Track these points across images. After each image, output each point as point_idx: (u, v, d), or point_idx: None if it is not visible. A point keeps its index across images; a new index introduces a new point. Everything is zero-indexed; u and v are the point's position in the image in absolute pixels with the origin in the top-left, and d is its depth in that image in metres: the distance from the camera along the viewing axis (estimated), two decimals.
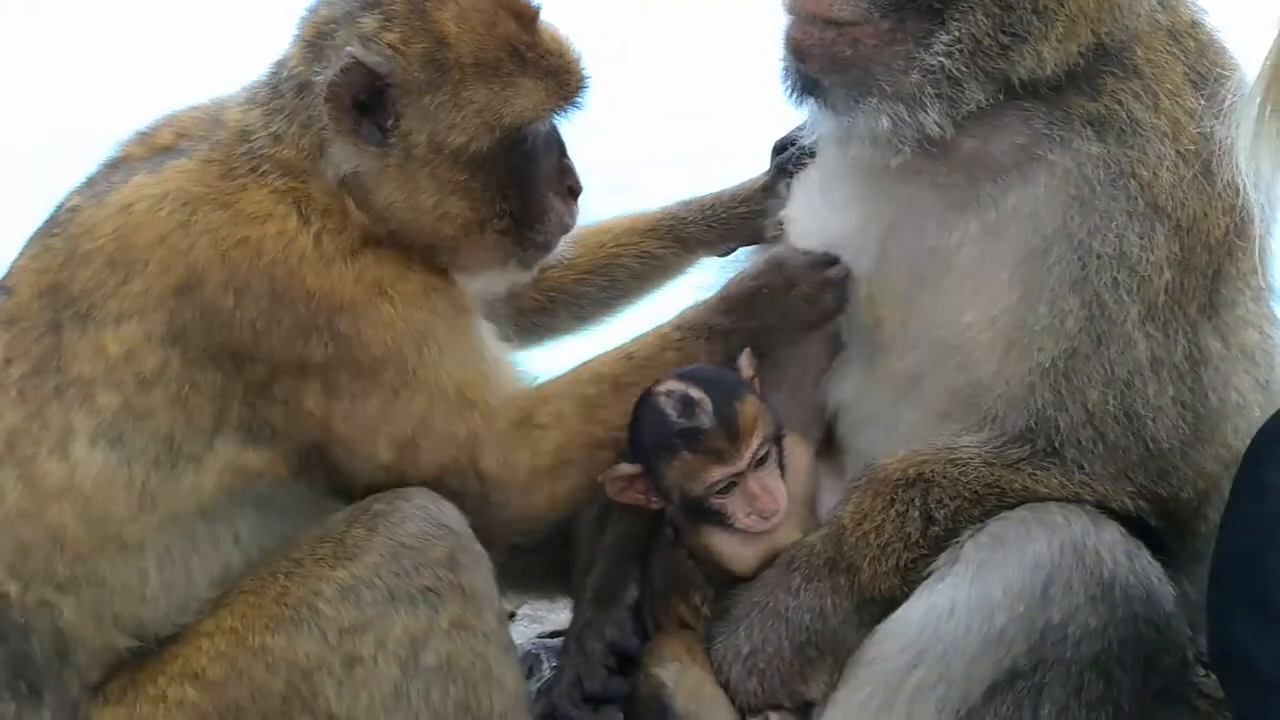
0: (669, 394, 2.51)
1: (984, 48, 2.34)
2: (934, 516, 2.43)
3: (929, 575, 2.40)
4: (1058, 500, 2.38)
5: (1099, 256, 2.35)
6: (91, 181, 2.55)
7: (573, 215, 2.61)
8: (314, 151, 2.43)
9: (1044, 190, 2.39)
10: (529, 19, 2.46)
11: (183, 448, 2.36)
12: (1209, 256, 2.40)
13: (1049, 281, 2.37)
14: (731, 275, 2.70)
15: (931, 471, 2.45)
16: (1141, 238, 2.35)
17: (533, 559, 3.03)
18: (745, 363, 2.63)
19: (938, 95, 2.39)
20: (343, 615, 2.36)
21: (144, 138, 2.60)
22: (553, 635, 3.41)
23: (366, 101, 2.37)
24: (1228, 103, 2.31)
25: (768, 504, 2.50)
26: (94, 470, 2.34)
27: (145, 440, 2.34)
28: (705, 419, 2.46)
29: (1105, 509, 2.39)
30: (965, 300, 2.43)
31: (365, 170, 2.43)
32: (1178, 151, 2.37)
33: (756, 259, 2.69)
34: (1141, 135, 2.37)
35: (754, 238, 2.94)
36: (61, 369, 2.36)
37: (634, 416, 2.56)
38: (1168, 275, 2.36)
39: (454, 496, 2.46)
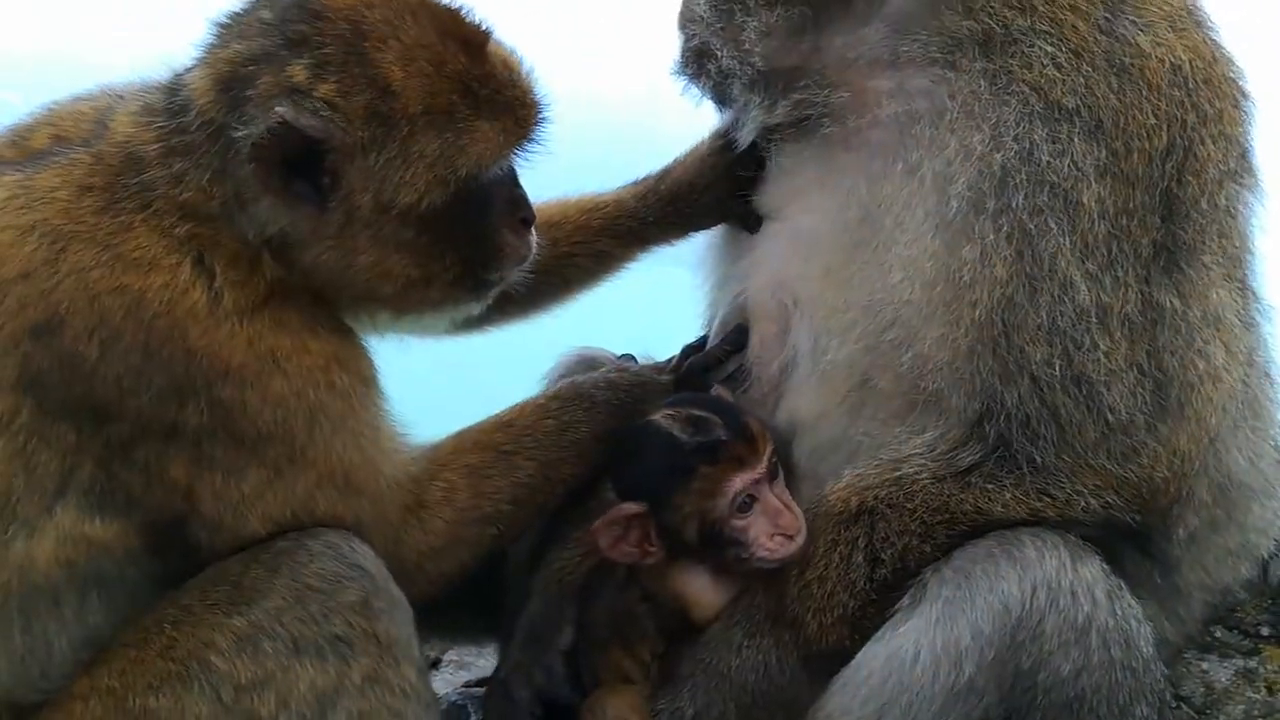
0: (672, 417, 2.41)
1: None
2: (880, 558, 2.28)
3: (892, 615, 2.24)
4: (1020, 522, 2.23)
5: (1005, 170, 2.21)
6: None
7: (528, 246, 2.40)
8: (229, 202, 2.16)
9: (948, 118, 2.28)
10: (478, 47, 2.23)
11: (18, 509, 2.09)
12: (1148, 169, 2.24)
13: (962, 213, 2.23)
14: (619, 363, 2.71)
15: (875, 499, 2.30)
16: (1052, 141, 2.21)
17: (459, 601, 2.77)
18: (722, 390, 2.54)
19: (713, 30, 2.47)
20: (239, 669, 2.11)
21: (16, 138, 2.31)
22: (480, 683, 3.23)
23: (299, 161, 2.12)
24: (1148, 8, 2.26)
25: (791, 521, 2.36)
26: None
27: None
28: (720, 431, 2.36)
29: (1077, 526, 2.24)
30: (894, 259, 2.30)
31: (295, 230, 2.18)
32: (1072, 50, 2.25)
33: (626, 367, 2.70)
34: (1019, 40, 2.27)
35: (717, 221, 2.80)
36: None
37: (632, 451, 2.43)
38: (1098, 189, 2.21)
39: None
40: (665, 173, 2.81)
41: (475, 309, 2.48)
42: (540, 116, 2.30)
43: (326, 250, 2.20)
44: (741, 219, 2.70)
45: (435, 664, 3.47)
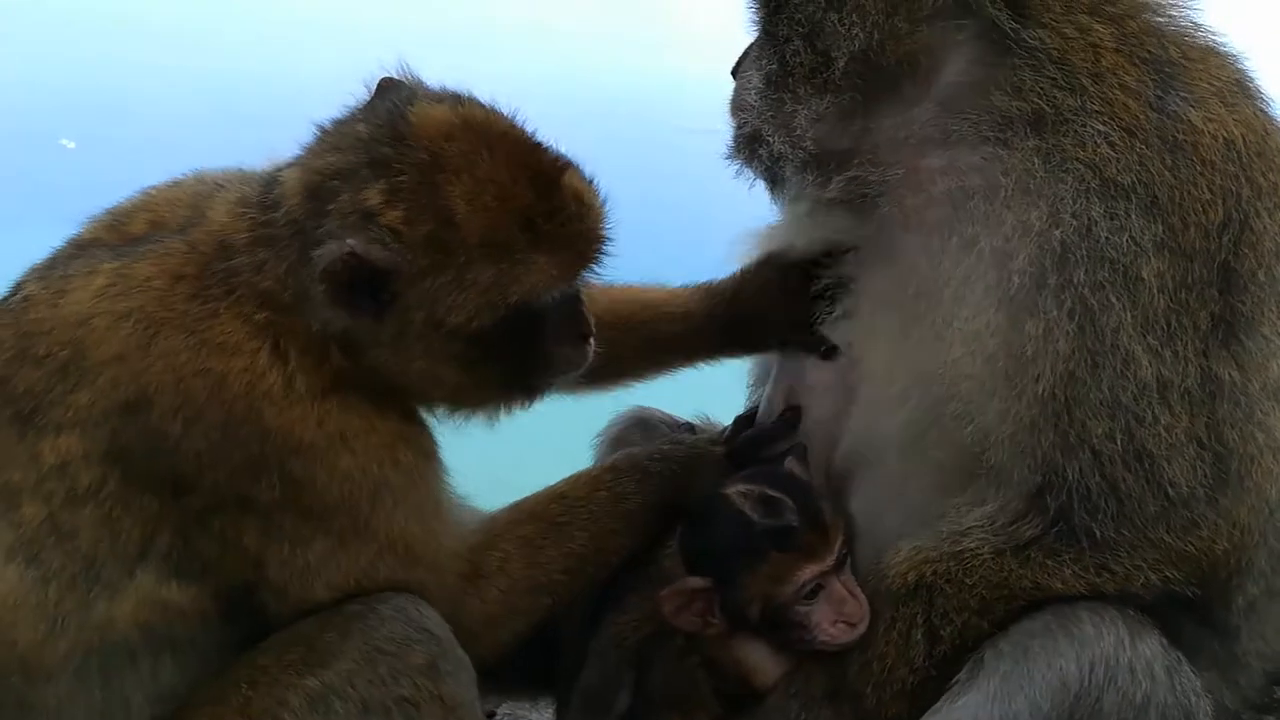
0: (745, 495, 2.41)
1: (805, 66, 2.46)
2: (939, 635, 2.29)
3: (949, 688, 2.25)
4: (1081, 599, 2.23)
5: (1065, 246, 2.23)
6: (51, 263, 2.38)
7: (584, 356, 2.46)
8: (299, 295, 2.27)
9: (1002, 195, 2.31)
10: (550, 180, 2.30)
11: (102, 573, 2.19)
12: (1205, 243, 2.24)
13: (1024, 288, 2.24)
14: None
15: (934, 574, 2.31)
16: (1110, 217, 2.22)
17: (514, 660, 2.83)
18: (795, 466, 2.53)
19: (765, 119, 2.54)
20: None
21: (115, 222, 2.43)
22: None
23: (362, 281, 2.22)
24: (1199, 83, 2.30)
25: (855, 610, 2.36)
26: (5, 589, 2.17)
27: (64, 560, 2.18)
28: (792, 516, 2.36)
29: (1135, 600, 2.24)
30: (954, 332, 2.32)
31: (355, 333, 2.29)
32: (1124, 129, 2.27)
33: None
34: (1070, 121, 2.29)
35: (781, 347, 2.81)
36: None
37: (702, 524, 2.45)
38: (1157, 264, 2.21)
39: None
40: (735, 295, 2.80)
41: (524, 408, 2.54)
42: (601, 250, 2.37)
43: (384, 354, 2.31)
44: (808, 348, 2.68)
45: (491, 716, 3.50)
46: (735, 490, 2.44)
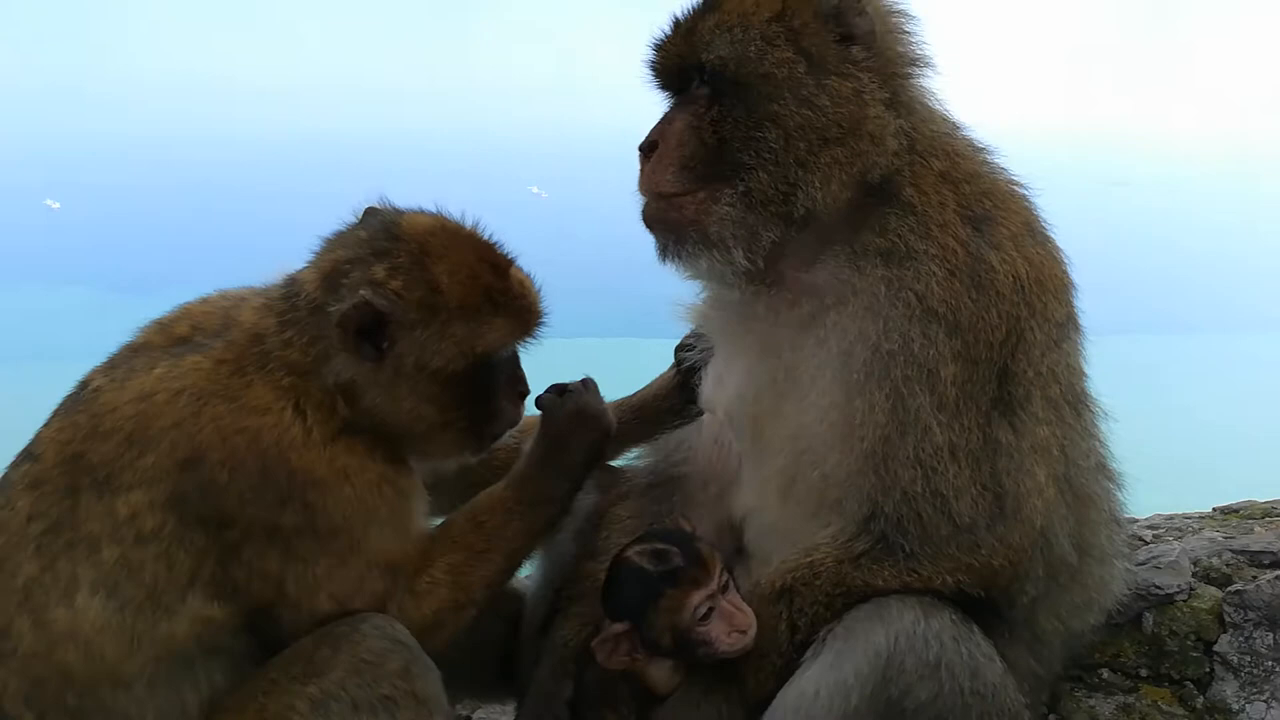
0: (640, 554, 3.06)
1: (768, 198, 3.02)
2: (797, 625, 2.97)
3: (799, 665, 2.92)
4: (895, 593, 2.92)
5: (890, 354, 2.94)
6: (113, 364, 2.99)
7: (519, 413, 3.14)
8: (318, 358, 2.91)
9: (851, 309, 3.01)
10: (503, 269, 3.02)
11: (162, 598, 2.76)
12: (990, 353, 2.94)
13: (858, 379, 2.95)
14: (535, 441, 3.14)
15: (794, 579, 2.99)
16: (924, 336, 2.93)
17: (484, 667, 3.49)
18: (684, 521, 3.21)
19: (736, 237, 3.04)
20: None
21: (162, 327, 3.04)
22: None
23: (368, 329, 2.86)
24: (1001, 229, 3.01)
25: (743, 620, 2.98)
26: (92, 617, 2.74)
27: (134, 589, 2.75)
28: (678, 559, 3.01)
29: (937, 594, 2.92)
30: (809, 404, 3.04)
31: (359, 379, 2.92)
32: (948, 269, 2.96)
33: (536, 426, 3.18)
34: (915, 259, 2.98)
35: (672, 420, 3.53)
36: (75, 526, 2.78)
37: (614, 583, 3.08)
38: (953, 368, 2.91)
39: None
40: (635, 393, 3.58)
41: (475, 456, 3.18)
42: (540, 323, 3.08)
43: (379, 396, 2.93)
44: (684, 416, 3.46)
45: None
46: (634, 551, 3.06)
